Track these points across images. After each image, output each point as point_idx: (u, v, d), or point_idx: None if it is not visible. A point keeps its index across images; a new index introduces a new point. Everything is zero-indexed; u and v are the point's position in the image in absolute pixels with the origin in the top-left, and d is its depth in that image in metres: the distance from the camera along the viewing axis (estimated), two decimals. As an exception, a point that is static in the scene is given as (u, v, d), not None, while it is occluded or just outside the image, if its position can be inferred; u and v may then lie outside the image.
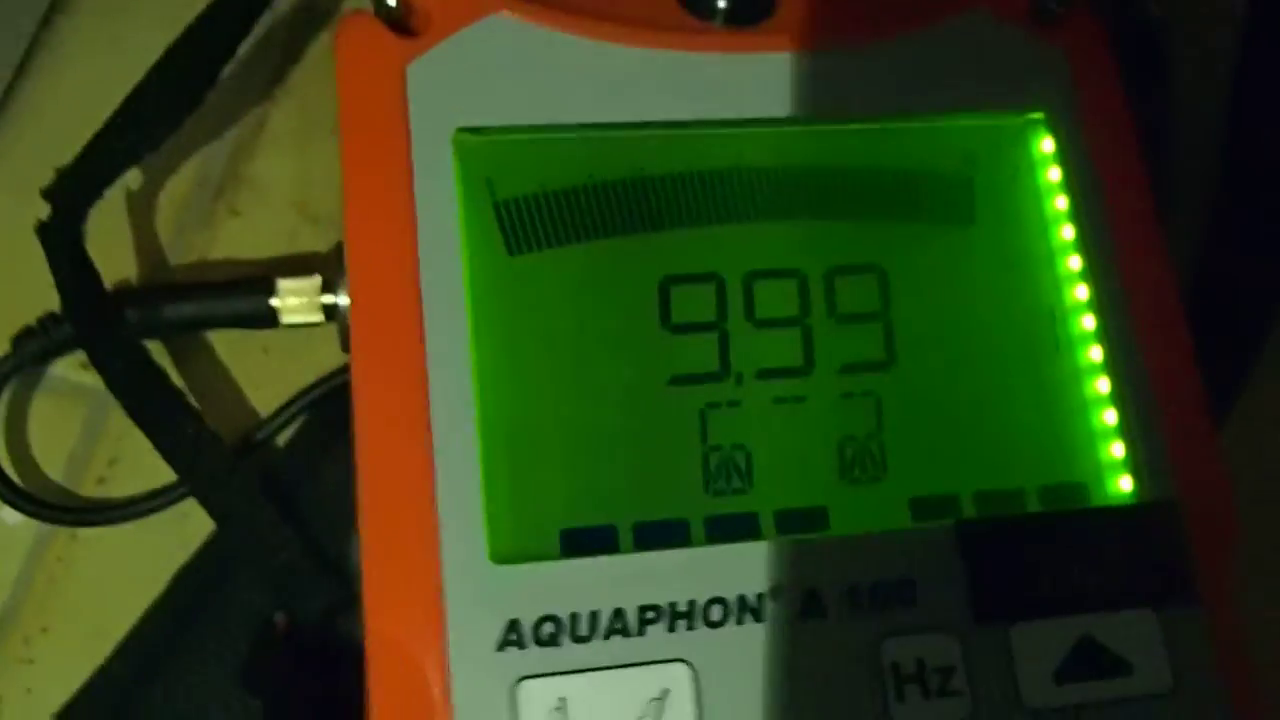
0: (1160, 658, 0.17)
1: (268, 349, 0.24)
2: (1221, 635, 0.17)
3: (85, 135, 0.22)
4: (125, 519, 0.22)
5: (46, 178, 0.22)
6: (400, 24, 0.19)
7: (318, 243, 0.25)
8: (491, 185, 0.18)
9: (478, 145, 0.19)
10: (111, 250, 0.23)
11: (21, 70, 0.25)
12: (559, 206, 0.19)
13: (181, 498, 0.22)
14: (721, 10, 0.20)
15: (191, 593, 0.21)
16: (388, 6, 0.19)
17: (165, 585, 0.22)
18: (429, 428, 0.17)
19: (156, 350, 0.23)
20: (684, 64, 0.19)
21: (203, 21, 0.20)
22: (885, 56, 0.20)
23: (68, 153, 0.22)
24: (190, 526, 0.22)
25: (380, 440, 0.17)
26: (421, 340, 0.17)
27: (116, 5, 0.26)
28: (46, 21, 0.26)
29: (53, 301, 0.22)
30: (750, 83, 0.19)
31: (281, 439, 0.23)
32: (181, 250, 0.25)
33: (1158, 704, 0.17)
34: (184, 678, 0.20)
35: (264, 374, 0.24)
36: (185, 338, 0.24)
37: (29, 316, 0.22)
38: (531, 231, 0.18)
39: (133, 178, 0.24)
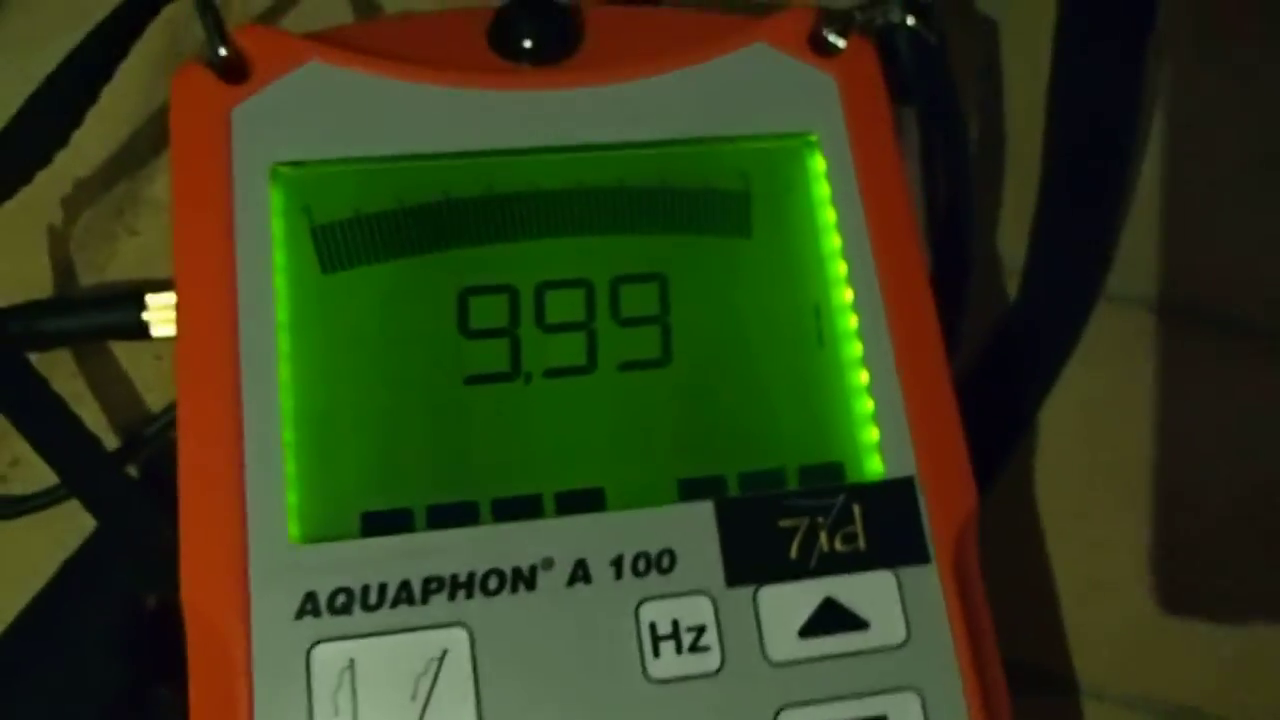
0: (895, 614, 0.19)
1: (160, 356, 0.25)
2: (951, 592, 0.19)
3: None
4: (20, 514, 0.23)
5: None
6: (229, 73, 0.20)
7: None
8: (309, 211, 0.20)
9: (296, 176, 0.20)
10: (17, 267, 0.25)
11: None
12: (370, 229, 0.20)
13: (65, 495, 0.23)
14: (526, 52, 0.22)
15: (72, 578, 0.22)
16: (217, 57, 0.20)
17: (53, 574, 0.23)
18: (240, 421, 0.18)
19: (61, 360, 0.25)
20: (486, 100, 0.21)
21: (57, 75, 0.22)
22: (672, 88, 0.21)
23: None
24: (85, 520, 0.24)
25: (197, 434, 0.18)
26: (237, 346, 0.19)
27: (27, 43, 0.28)
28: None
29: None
30: (548, 115, 0.21)
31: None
32: (83, 268, 0.26)
33: (892, 654, 0.18)
34: (61, 650, 0.21)
35: (155, 379, 0.25)
36: (88, 348, 0.25)
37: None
38: (345, 251, 0.20)
39: (37, 198, 0.25)
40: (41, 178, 0.24)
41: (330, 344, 0.19)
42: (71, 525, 0.24)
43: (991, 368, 0.25)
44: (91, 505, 0.22)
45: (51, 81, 0.22)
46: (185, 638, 0.19)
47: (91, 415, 0.24)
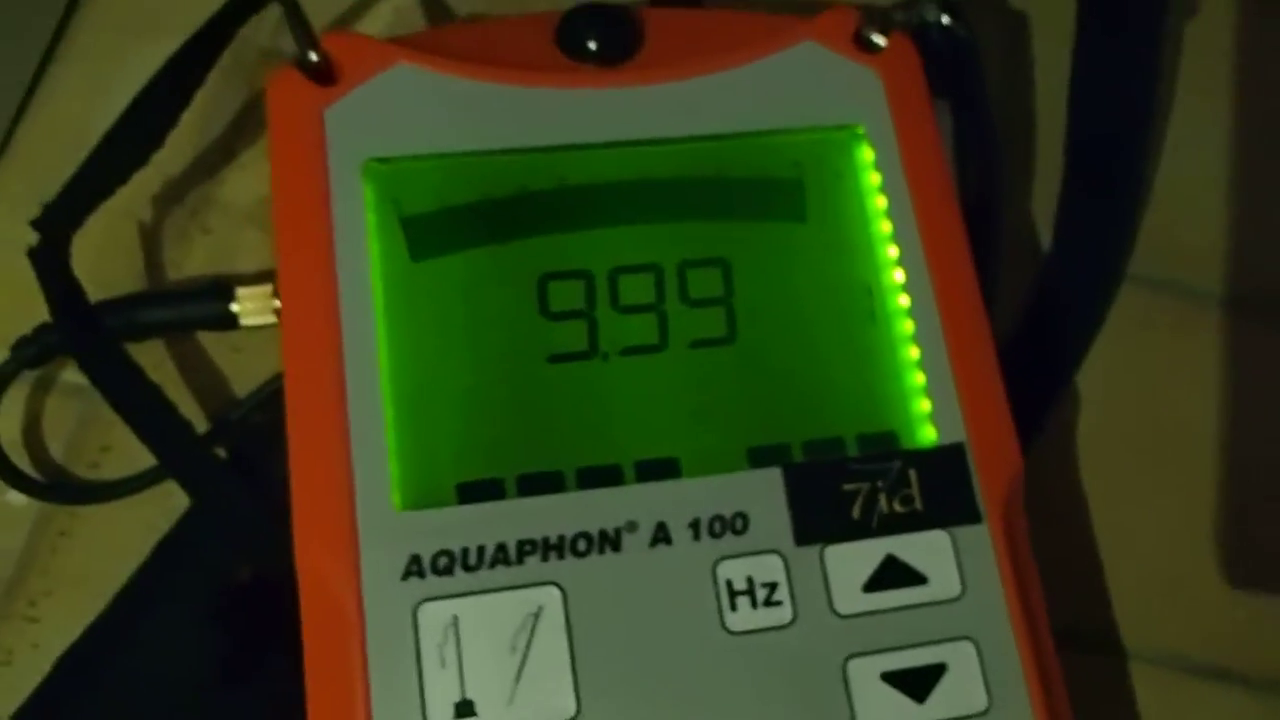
0: (951, 569, 0.20)
1: (238, 348, 0.27)
2: (1002, 550, 0.20)
3: (73, 167, 0.25)
4: (115, 497, 0.24)
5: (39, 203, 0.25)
6: (319, 76, 0.21)
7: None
8: (399, 204, 0.21)
9: (386, 171, 0.21)
10: (100, 265, 0.26)
11: (20, 111, 0.28)
12: (455, 219, 0.21)
13: (163, 477, 0.24)
14: (592, 53, 0.23)
15: (169, 555, 0.23)
16: (309, 62, 0.21)
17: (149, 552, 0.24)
18: (345, 400, 0.19)
19: (149, 350, 0.26)
20: (558, 98, 0.22)
21: (157, 82, 0.23)
22: (728, 84, 0.23)
23: (59, 182, 0.25)
24: (172, 502, 0.25)
25: (305, 412, 0.19)
26: (339, 330, 0.20)
27: (106, 54, 0.29)
28: (42, 69, 0.28)
29: (45, 313, 0.24)
30: (614, 112, 0.22)
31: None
32: (161, 264, 0.27)
33: (949, 607, 0.20)
34: (161, 624, 0.22)
35: (235, 369, 0.26)
36: (174, 339, 0.26)
37: (26, 326, 0.25)
38: (432, 240, 0.21)
39: (117, 202, 0.26)
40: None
41: (422, 327, 0.20)
42: (161, 508, 0.25)
43: (1025, 338, 0.27)
44: (186, 485, 0.24)
45: (151, 87, 0.23)
46: (279, 608, 0.21)
47: (179, 401, 0.26)
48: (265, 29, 0.28)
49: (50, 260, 0.22)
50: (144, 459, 0.24)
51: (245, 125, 0.28)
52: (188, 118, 0.26)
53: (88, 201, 0.23)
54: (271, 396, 0.26)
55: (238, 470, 0.24)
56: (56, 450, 0.25)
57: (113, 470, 0.25)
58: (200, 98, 0.27)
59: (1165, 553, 0.26)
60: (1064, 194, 0.28)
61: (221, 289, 0.24)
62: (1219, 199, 0.29)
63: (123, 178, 0.23)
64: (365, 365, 0.20)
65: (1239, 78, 0.30)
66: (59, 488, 0.24)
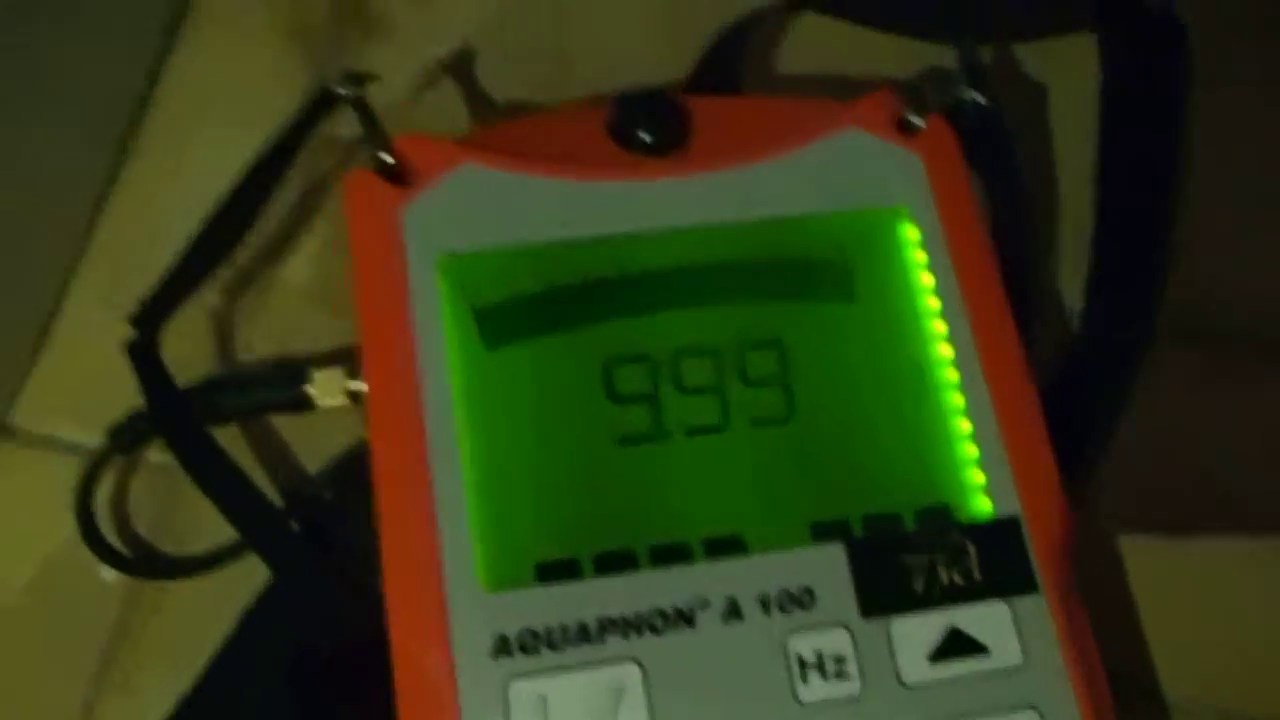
0: (1011, 638, 0.21)
1: (306, 424, 0.27)
2: (1059, 618, 0.21)
3: (156, 253, 0.26)
4: (201, 571, 0.25)
5: (125, 292, 0.26)
6: (393, 176, 0.23)
7: (338, 332, 0.28)
8: (471, 296, 0.22)
9: (458, 265, 0.22)
10: (172, 344, 0.27)
11: (100, 202, 0.30)
12: (524, 309, 0.22)
13: (245, 551, 0.25)
14: (644, 143, 0.24)
15: (251, 627, 0.24)
16: (385, 165, 0.23)
17: (234, 623, 0.25)
18: (431, 487, 0.20)
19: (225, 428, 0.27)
20: (615, 190, 0.23)
21: (242, 185, 0.24)
22: (777, 171, 0.24)
23: (143, 269, 0.26)
24: (255, 575, 0.25)
25: (394, 498, 0.20)
26: (422, 418, 0.21)
27: (178, 145, 0.30)
28: (118, 163, 0.30)
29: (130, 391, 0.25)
30: (669, 201, 0.23)
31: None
32: (231, 343, 0.28)
33: (1011, 676, 0.20)
34: (246, 696, 0.24)
35: (302, 444, 0.27)
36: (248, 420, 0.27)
37: (115, 406, 0.26)
38: (504, 330, 0.22)
39: None
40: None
41: (498, 412, 0.21)
42: (244, 582, 0.25)
43: (1058, 398, 0.27)
44: (267, 558, 0.25)
45: (237, 192, 0.24)
46: (357, 679, 0.22)
47: (253, 477, 0.27)
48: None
49: (144, 352, 0.24)
50: (226, 533, 0.25)
51: (304, 210, 0.30)
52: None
53: (177, 297, 0.25)
54: (340, 472, 0.27)
55: (313, 543, 0.25)
56: (143, 526, 0.26)
57: (197, 545, 0.26)
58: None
59: (1208, 607, 0.26)
60: (1095, 252, 0.29)
61: (295, 374, 0.25)
62: (1244, 253, 0.30)
63: (208, 272, 0.25)
64: (447, 451, 0.21)
65: (1261, 137, 0.31)
66: (148, 563, 0.26)
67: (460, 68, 0.31)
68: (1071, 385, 0.27)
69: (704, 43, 0.30)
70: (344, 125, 0.28)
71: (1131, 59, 0.29)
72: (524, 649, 0.20)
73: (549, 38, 0.31)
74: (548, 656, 0.20)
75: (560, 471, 0.21)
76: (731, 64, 0.29)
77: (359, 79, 0.23)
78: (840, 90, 0.30)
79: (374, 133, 0.23)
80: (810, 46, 0.31)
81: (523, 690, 0.19)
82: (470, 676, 0.19)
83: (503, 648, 0.19)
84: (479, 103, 0.30)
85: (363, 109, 0.23)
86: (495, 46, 0.31)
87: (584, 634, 0.20)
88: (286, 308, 0.29)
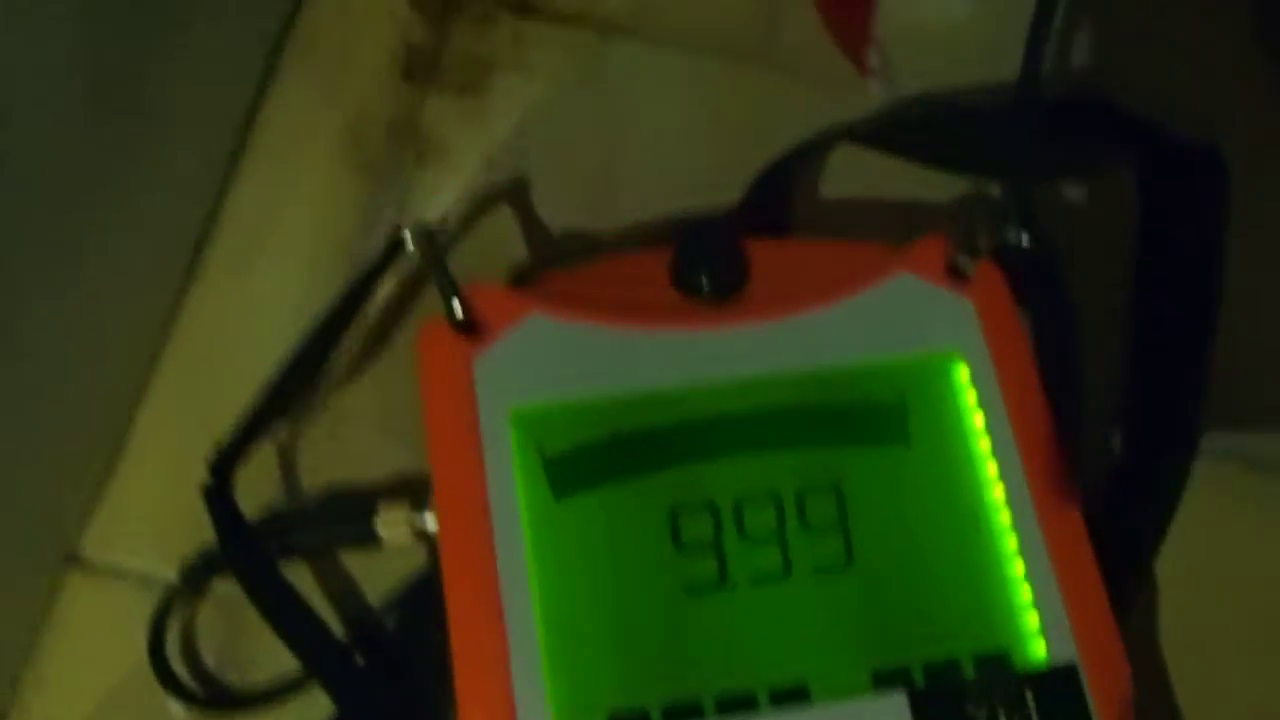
0: (1073, 788, 0.21)
1: (369, 558, 0.28)
2: (1122, 769, 0.21)
3: (220, 381, 0.27)
4: (266, 704, 0.26)
5: (190, 419, 0.27)
6: (465, 328, 0.24)
7: (401, 457, 0.28)
8: (541, 447, 0.23)
9: (529, 416, 0.23)
10: (241, 473, 0.28)
11: (166, 333, 0.30)
12: (591, 458, 0.23)
13: (308, 683, 0.26)
14: (705, 289, 0.25)
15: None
16: (458, 319, 0.23)
17: (299, 756, 0.25)
18: (505, 635, 0.21)
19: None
20: (678, 339, 0.24)
21: (316, 331, 0.25)
22: (833, 318, 0.25)
23: (208, 397, 0.27)
24: (319, 707, 0.26)
25: (469, 643, 0.21)
26: (494, 568, 0.22)
27: (239, 267, 0.31)
28: (183, 291, 0.31)
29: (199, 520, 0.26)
30: (729, 349, 0.24)
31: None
32: (296, 471, 0.29)
33: (1073, 825, 0.21)
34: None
35: (366, 578, 0.28)
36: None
37: (186, 534, 0.26)
38: (572, 479, 0.23)
39: None
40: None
41: (567, 560, 0.22)
42: (308, 716, 0.26)
43: (1103, 522, 0.28)
44: (331, 691, 0.25)
45: (309, 341, 0.25)
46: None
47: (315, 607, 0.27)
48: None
49: (219, 495, 0.25)
50: (289, 662, 0.26)
51: (365, 341, 0.30)
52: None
53: (251, 440, 0.25)
54: (403, 602, 0.27)
55: (376, 675, 0.26)
56: (209, 656, 0.27)
57: (260, 675, 0.27)
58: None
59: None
60: (1134, 375, 0.30)
61: (361, 510, 0.26)
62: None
63: (279, 415, 0.25)
64: (520, 598, 0.21)
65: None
66: (215, 698, 0.26)
67: (513, 191, 0.32)
68: (1117, 515, 0.28)
69: (749, 161, 0.30)
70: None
71: (1172, 191, 0.30)
72: (599, 798, 0.20)
73: (598, 158, 0.33)
74: (620, 800, 0.20)
75: (630, 620, 0.22)
76: (781, 191, 0.30)
77: (429, 233, 0.24)
78: (889, 214, 0.30)
79: (444, 282, 0.24)
80: (858, 169, 0.32)
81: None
82: (548, 826, 0.20)
83: (579, 796, 0.20)
84: (531, 226, 0.31)
85: (435, 261, 0.24)
86: (546, 167, 0.32)
87: (656, 788, 0.20)
88: (351, 435, 0.29)
